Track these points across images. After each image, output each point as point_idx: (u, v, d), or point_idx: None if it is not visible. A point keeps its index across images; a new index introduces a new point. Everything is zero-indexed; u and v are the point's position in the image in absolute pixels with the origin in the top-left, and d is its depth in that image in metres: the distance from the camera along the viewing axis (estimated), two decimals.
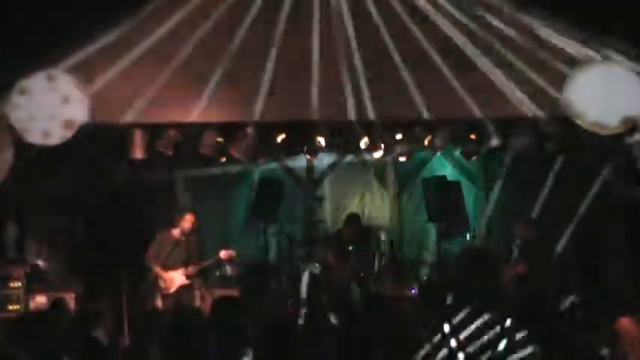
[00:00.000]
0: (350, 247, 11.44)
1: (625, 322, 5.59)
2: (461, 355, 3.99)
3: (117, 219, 11.75)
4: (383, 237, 12.64)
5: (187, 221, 11.03)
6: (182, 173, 12.87)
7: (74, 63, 9.37)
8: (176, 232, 10.96)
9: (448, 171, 12.74)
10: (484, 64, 9.32)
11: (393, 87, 9.44)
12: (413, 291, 10.89)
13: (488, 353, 3.97)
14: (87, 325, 6.49)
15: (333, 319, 7.01)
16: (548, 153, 10.83)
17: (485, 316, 4.06)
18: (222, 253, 11.41)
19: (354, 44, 9.47)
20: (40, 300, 10.04)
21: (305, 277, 10.80)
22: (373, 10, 9.55)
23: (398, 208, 13.19)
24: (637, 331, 5.59)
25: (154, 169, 12.23)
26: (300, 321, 9.02)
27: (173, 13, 9.55)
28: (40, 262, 10.58)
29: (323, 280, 10.61)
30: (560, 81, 9.05)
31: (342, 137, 11.78)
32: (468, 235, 12.32)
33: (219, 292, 11.00)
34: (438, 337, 4.13)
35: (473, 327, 4.04)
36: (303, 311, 9.73)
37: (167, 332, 5.42)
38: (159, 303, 10.70)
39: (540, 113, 9.35)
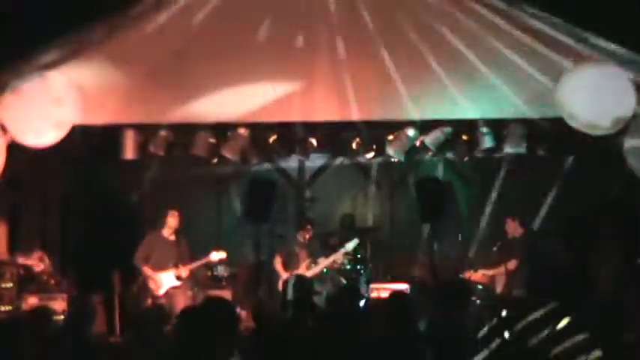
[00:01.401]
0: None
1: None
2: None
3: (108, 219, 11.74)
4: (376, 237, 12.67)
5: (172, 218, 10.96)
6: (173, 174, 12.86)
7: (64, 62, 9.37)
8: (165, 231, 10.92)
9: (441, 172, 12.75)
10: (479, 63, 9.33)
11: (385, 88, 9.44)
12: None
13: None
14: (79, 325, 6.47)
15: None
16: (542, 153, 10.91)
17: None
18: (213, 255, 11.41)
19: (349, 44, 9.47)
20: (32, 301, 10.02)
21: (292, 279, 10.84)
22: (365, 11, 9.53)
23: (390, 209, 13.19)
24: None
25: (146, 169, 12.25)
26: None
27: (162, 12, 9.53)
28: (40, 264, 10.55)
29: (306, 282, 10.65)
30: (552, 81, 9.08)
31: (335, 138, 11.84)
32: (460, 236, 12.34)
33: (210, 293, 11.01)
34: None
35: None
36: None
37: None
38: (150, 304, 10.66)
39: (533, 114, 9.38)
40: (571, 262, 10.97)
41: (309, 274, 11.04)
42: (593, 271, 10.73)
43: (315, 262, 11.34)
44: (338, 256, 11.54)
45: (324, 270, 11.40)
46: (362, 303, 6.08)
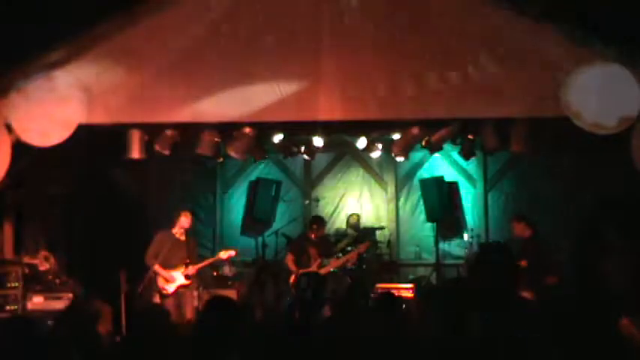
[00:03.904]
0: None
1: (626, 324, 5.58)
2: None
3: (114, 219, 11.75)
4: (381, 237, 12.68)
5: (185, 218, 11.02)
6: (179, 173, 12.90)
7: (69, 62, 9.37)
8: (175, 231, 10.96)
9: (446, 171, 12.75)
10: (484, 62, 9.30)
11: (391, 87, 9.42)
12: None
13: None
14: (87, 324, 6.48)
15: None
16: (547, 153, 10.89)
17: None
18: (222, 253, 11.45)
19: (356, 44, 9.43)
20: (38, 300, 10.04)
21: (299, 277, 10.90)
22: (372, 11, 9.50)
23: (396, 208, 13.19)
24: (638, 332, 5.58)
25: (152, 169, 12.27)
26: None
27: (167, 11, 9.51)
28: (45, 263, 10.56)
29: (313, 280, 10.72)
30: (558, 81, 9.05)
31: (340, 138, 11.84)
32: (465, 236, 12.35)
33: (217, 293, 11.04)
34: None
35: None
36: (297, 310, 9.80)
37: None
38: (158, 302, 10.69)
39: (539, 114, 9.35)
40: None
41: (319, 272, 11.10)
42: (602, 272, 10.73)
43: (327, 261, 11.39)
44: (351, 257, 11.59)
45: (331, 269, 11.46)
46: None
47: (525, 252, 10.50)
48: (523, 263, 10.37)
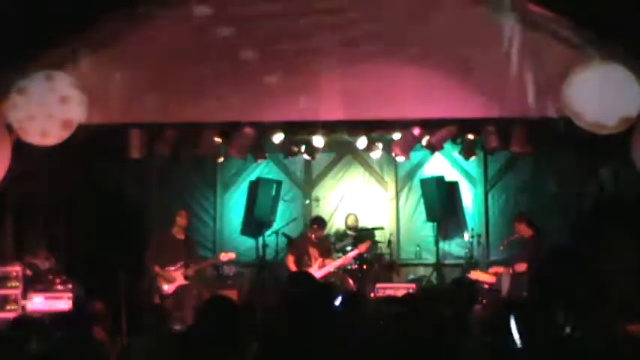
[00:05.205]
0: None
1: (632, 329, 5.57)
2: None
3: (114, 219, 11.75)
4: (381, 237, 12.66)
5: (182, 217, 11.04)
6: (179, 173, 12.89)
7: (69, 62, 9.35)
8: (174, 231, 10.97)
9: (446, 171, 12.74)
10: (484, 62, 9.28)
11: (391, 87, 9.41)
12: None
13: None
14: (85, 325, 6.47)
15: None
16: (548, 152, 10.88)
17: None
18: (223, 255, 11.44)
19: (356, 43, 9.42)
20: (38, 300, 10.04)
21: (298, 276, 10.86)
22: (371, 11, 9.49)
23: (396, 208, 13.18)
24: None
25: (152, 169, 12.26)
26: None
27: (168, 11, 9.49)
28: (46, 263, 10.56)
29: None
30: (558, 81, 9.04)
31: (340, 137, 11.83)
32: (465, 236, 12.34)
33: (217, 293, 11.03)
34: None
35: None
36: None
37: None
38: (158, 302, 10.69)
39: (539, 113, 9.34)
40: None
41: (320, 273, 11.09)
42: (605, 272, 10.70)
43: (327, 262, 11.40)
44: (350, 258, 11.59)
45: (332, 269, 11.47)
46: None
47: (527, 252, 10.51)
48: (519, 267, 10.41)
